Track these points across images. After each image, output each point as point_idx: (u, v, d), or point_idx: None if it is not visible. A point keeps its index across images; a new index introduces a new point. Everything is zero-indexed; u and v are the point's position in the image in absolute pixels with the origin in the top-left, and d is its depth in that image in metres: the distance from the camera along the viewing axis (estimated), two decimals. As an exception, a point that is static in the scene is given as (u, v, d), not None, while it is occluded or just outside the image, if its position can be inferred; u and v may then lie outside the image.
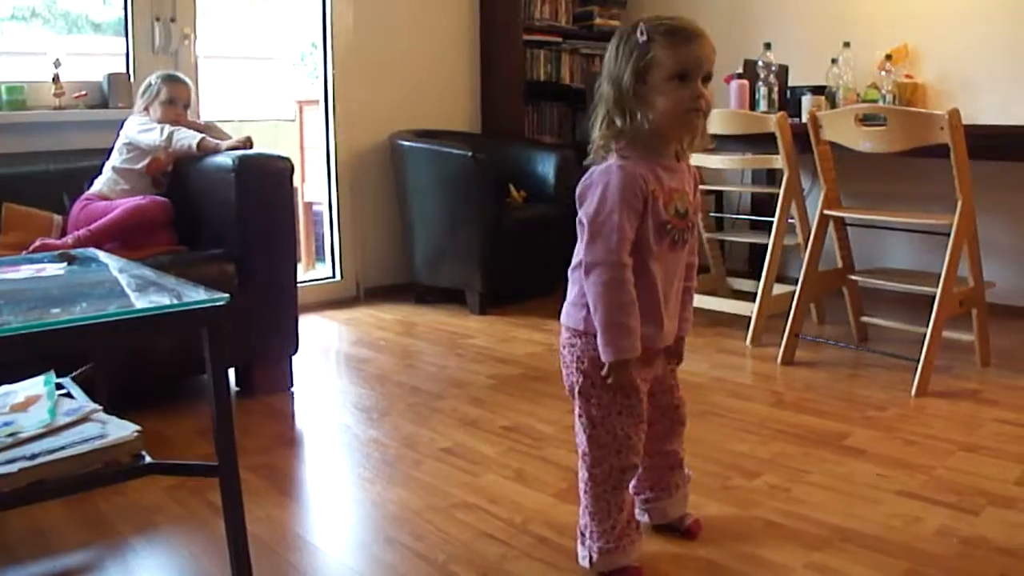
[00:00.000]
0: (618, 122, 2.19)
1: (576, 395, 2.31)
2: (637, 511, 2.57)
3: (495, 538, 2.54)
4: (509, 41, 6.27)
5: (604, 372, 2.22)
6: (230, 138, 4.10)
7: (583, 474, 2.32)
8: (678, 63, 2.13)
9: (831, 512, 2.67)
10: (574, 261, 2.28)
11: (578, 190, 2.24)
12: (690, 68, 2.13)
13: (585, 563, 2.34)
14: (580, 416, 2.31)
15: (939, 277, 3.86)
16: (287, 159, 3.85)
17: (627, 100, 2.17)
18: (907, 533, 2.53)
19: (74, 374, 2.62)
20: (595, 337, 2.21)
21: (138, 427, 2.13)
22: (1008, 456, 3.12)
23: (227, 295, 2.03)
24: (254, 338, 3.75)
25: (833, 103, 5.16)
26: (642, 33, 2.15)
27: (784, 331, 4.31)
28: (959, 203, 3.84)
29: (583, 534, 2.35)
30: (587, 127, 2.30)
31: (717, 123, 4.70)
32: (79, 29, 5.68)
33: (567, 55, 6.66)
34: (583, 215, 2.21)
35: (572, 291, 2.30)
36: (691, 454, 3.00)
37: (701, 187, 4.98)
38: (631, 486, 2.54)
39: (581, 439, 2.32)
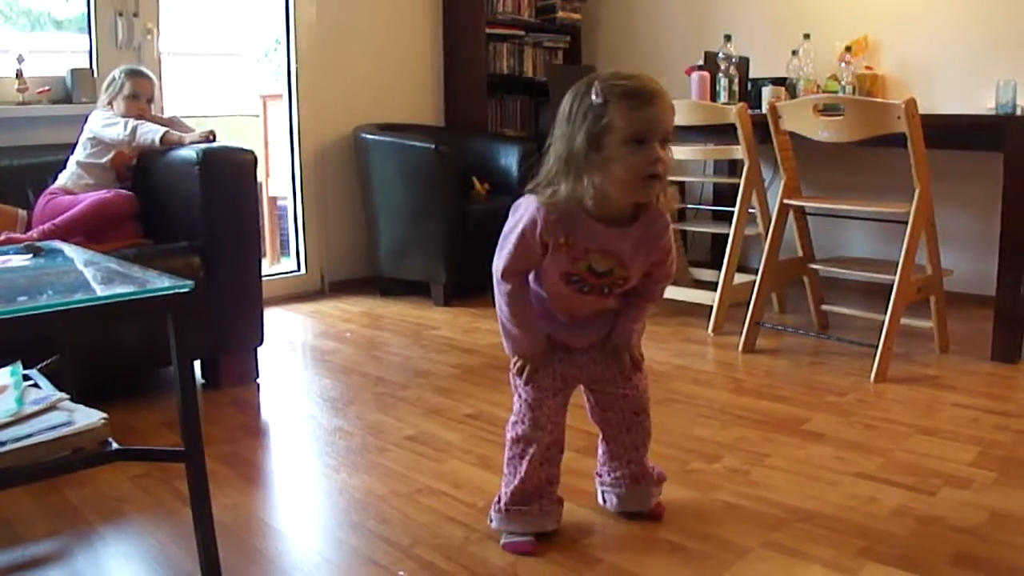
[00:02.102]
0: (563, 186, 2.17)
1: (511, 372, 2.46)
2: (600, 495, 2.63)
3: (459, 521, 2.57)
4: (472, 34, 6.30)
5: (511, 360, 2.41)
6: (194, 132, 4.11)
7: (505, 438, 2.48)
8: (635, 127, 2.09)
9: (789, 494, 2.72)
10: None
11: (516, 201, 2.32)
12: (648, 132, 2.10)
13: (488, 522, 2.48)
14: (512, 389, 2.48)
15: (898, 265, 3.91)
16: (251, 152, 3.85)
17: (578, 163, 2.14)
18: (863, 513, 2.58)
19: (41, 365, 2.63)
20: None
21: (104, 414, 2.14)
22: (965, 439, 3.17)
23: (191, 282, 2.05)
24: (219, 330, 3.76)
25: (794, 94, 5.21)
26: (597, 95, 2.11)
27: (745, 319, 4.35)
28: (916, 191, 3.89)
29: (496, 497, 2.49)
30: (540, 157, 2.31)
31: (678, 114, 4.73)
32: (41, 27, 5.66)
33: (530, 48, 6.68)
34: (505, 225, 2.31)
35: None
36: (653, 440, 3.04)
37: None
38: (597, 469, 2.62)
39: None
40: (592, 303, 2.36)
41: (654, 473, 2.61)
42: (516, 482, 2.40)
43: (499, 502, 2.44)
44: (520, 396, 2.41)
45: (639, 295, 2.42)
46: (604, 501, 2.62)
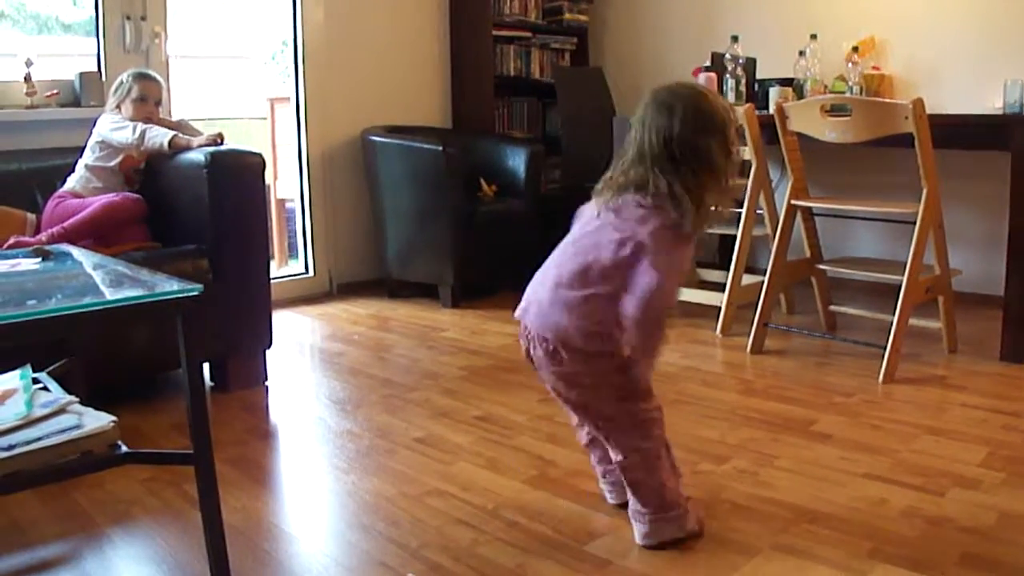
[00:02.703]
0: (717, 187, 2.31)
1: (619, 401, 2.37)
2: (608, 493, 2.64)
3: (467, 523, 2.57)
4: (479, 36, 6.30)
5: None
6: (201, 135, 4.11)
7: (637, 457, 2.37)
8: None
9: (798, 495, 2.72)
10: (596, 289, 2.28)
11: (660, 226, 2.25)
12: None
13: (652, 540, 2.40)
14: (626, 411, 2.38)
15: (906, 265, 3.90)
16: (259, 154, 3.86)
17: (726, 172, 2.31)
18: (872, 514, 2.58)
19: (50, 369, 2.64)
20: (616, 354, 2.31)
21: (114, 418, 2.14)
22: (973, 439, 3.17)
23: (200, 285, 2.06)
24: (228, 333, 3.76)
25: (801, 95, 5.20)
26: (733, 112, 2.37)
27: (753, 320, 4.35)
28: (924, 192, 3.88)
29: (642, 512, 2.41)
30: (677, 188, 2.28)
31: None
32: (49, 30, 5.67)
33: (537, 50, 6.68)
34: (657, 257, 2.22)
35: (591, 316, 2.29)
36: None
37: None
38: (596, 463, 2.66)
39: (629, 425, 2.38)
40: None
41: None
42: (669, 481, 2.43)
43: (667, 511, 2.41)
44: (651, 417, 2.40)
45: None
46: (613, 497, 2.64)
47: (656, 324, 2.25)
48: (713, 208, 2.31)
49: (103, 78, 4.74)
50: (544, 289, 2.36)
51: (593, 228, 2.35)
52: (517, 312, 2.43)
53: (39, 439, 2.04)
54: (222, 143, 3.98)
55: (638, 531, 2.42)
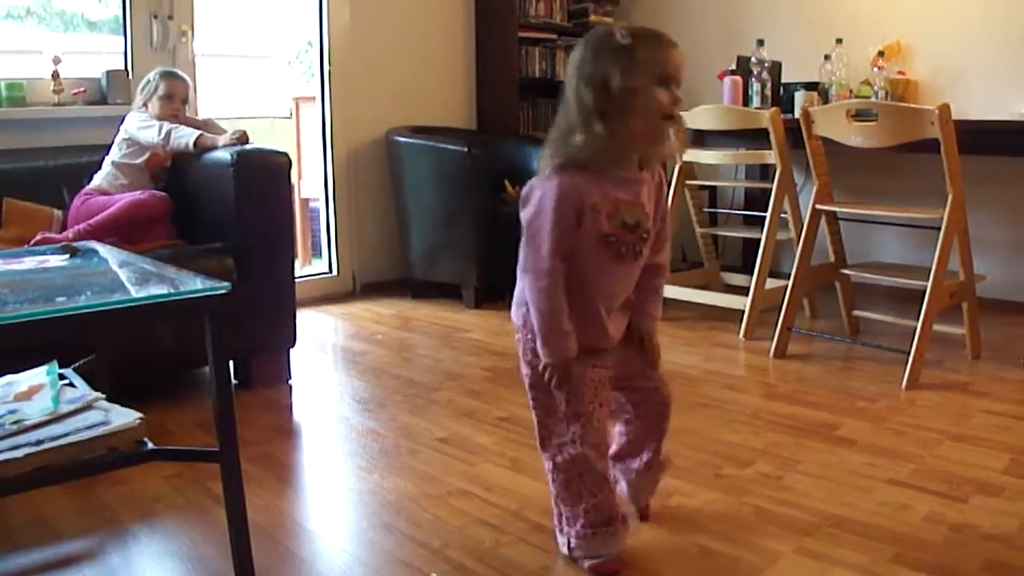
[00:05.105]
0: (578, 136, 2.15)
1: (528, 388, 2.38)
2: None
3: (490, 524, 2.58)
4: (504, 38, 6.30)
5: (543, 371, 2.28)
6: (226, 134, 4.12)
7: (548, 464, 2.35)
8: (662, 67, 2.13)
9: (821, 499, 2.71)
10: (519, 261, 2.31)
11: (522, 194, 2.27)
12: (672, 73, 2.15)
13: (564, 550, 2.36)
14: (535, 408, 2.37)
15: (930, 271, 3.89)
16: (285, 154, 3.87)
17: (599, 108, 2.12)
18: (896, 520, 2.57)
19: (76, 365, 2.65)
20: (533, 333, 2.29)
21: (140, 414, 2.15)
22: (997, 446, 3.15)
23: (228, 283, 2.06)
24: (252, 331, 3.78)
25: (826, 99, 5.19)
26: (624, 36, 2.13)
27: (777, 325, 4.34)
28: (949, 197, 3.87)
29: (559, 523, 2.37)
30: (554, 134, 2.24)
31: (710, 119, 4.75)
32: (74, 28, 5.69)
33: (562, 52, 6.66)
34: (522, 220, 2.25)
35: (517, 288, 2.35)
36: (684, 444, 3.06)
37: (695, 182, 5.03)
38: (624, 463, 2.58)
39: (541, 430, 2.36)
40: (627, 272, 2.30)
41: (664, 460, 2.59)
42: (588, 499, 2.28)
43: (572, 526, 2.32)
44: (567, 413, 2.29)
45: (650, 274, 2.39)
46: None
47: (529, 290, 2.25)
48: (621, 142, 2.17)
49: (130, 76, 4.76)
50: None
51: None
52: None
53: (66, 435, 2.05)
54: (247, 142, 3.99)
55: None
